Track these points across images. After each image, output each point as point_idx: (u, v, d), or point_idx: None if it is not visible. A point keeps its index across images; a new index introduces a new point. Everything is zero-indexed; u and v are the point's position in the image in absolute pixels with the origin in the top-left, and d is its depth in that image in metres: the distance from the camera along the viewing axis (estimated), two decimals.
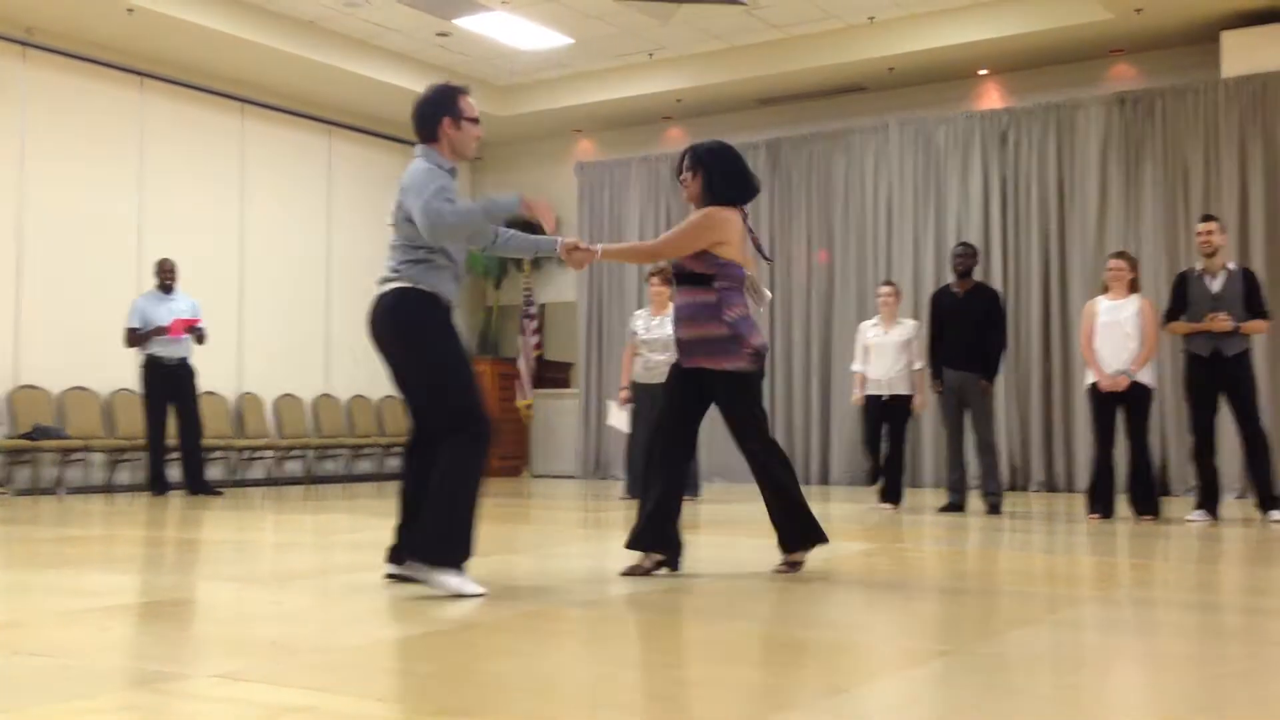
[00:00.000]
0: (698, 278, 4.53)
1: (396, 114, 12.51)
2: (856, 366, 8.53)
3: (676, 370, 4.67)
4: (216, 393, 10.73)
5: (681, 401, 4.63)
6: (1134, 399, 7.30)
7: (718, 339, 4.48)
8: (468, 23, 10.57)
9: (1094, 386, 7.42)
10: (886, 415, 8.28)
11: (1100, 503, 7.37)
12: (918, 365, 8.27)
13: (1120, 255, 7.60)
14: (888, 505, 8.16)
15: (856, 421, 9.11)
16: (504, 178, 13.59)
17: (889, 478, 8.24)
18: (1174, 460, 9.86)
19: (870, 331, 8.46)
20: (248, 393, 11.29)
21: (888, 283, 8.79)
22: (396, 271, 4.28)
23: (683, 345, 4.62)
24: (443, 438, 4.15)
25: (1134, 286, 7.43)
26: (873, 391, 8.32)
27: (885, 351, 8.29)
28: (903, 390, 8.24)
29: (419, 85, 12.73)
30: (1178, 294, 7.32)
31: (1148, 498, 7.32)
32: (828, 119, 11.82)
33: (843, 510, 8.23)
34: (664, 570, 4.45)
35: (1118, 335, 7.30)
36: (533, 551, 5.63)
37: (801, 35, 10.87)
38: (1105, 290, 7.51)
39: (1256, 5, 9.30)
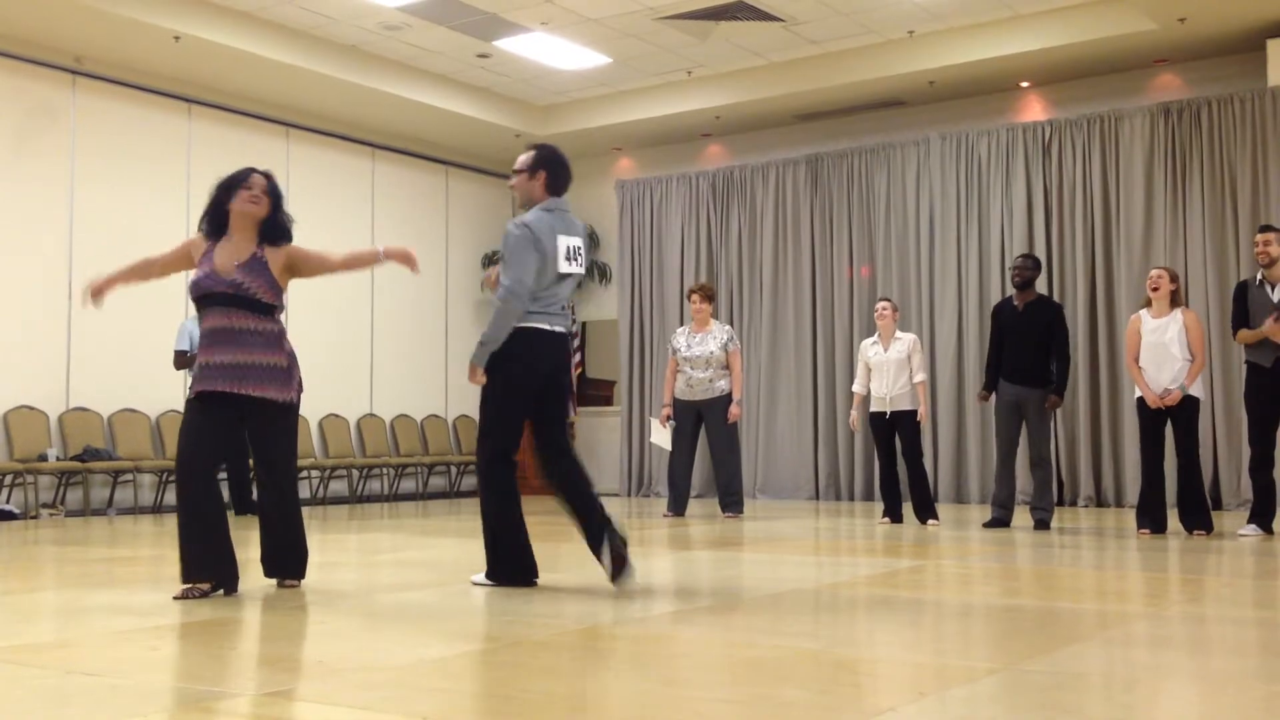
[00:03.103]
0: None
1: (438, 135, 12.64)
2: (857, 387, 8.51)
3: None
4: None
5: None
6: (1182, 411, 7.20)
7: None
8: (507, 44, 10.65)
9: (1141, 400, 7.33)
10: (894, 432, 8.28)
11: (1150, 517, 7.26)
12: (919, 378, 8.23)
13: (1162, 267, 7.52)
14: (886, 519, 8.25)
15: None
16: None
17: (917, 495, 8.24)
18: (1224, 473, 9.70)
19: (870, 350, 8.43)
20: None
21: (885, 299, 8.75)
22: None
23: None
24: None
25: (1176, 300, 7.34)
26: (876, 409, 8.30)
27: (886, 369, 8.27)
28: (905, 406, 8.20)
29: (459, 107, 12.93)
30: (1239, 303, 7.20)
31: (1198, 512, 7.20)
32: (868, 134, 11.78)
33: (891, 527, 8.16)
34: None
35: (1163, 353, 7.22)
36: (575, 570, 5.62)
37: (840, 50, 10.86)
38: (1148, 304, 7.41)
39: None
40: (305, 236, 12.90)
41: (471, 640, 3.59)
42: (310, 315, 11.66)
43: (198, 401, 4.60)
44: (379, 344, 12.34)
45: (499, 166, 13.73)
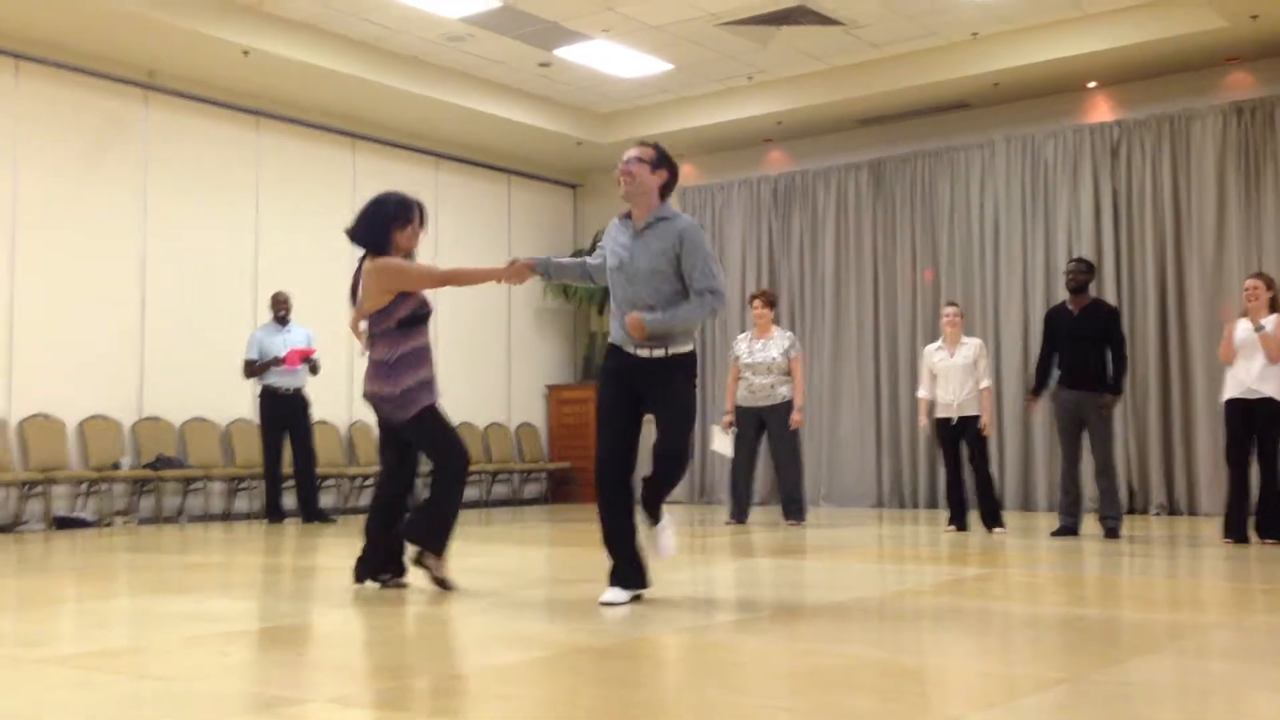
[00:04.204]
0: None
1: (500, 144, 12.74)
2: (923, 393, 8.39)
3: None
4: (328, 421, 10.98)
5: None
6: (1267, 416, 7.03)
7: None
8: (568, 52, 10.71)
9: (1229, 403, 7.17)
10: (960, 438, 8.18)
11: (1233, 527, 7.11)
12: (985, 384, 8.11)
13: (1257, 275, 7.31)
14: (952, 527, 8.14)
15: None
16: (605, 205, 13.69)
17: (984, 502, 8.15)
18: None
19: (936, 355, 8.32)
20: (358, 421, 11.52)
21: (951, 303, 8.65)
22: None
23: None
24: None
25: (1275, 306, 7.15)
26: (942, 415, 8.20)
27: (953, 374, 8.16)
28: (972, 411, 8.10)
29: (522, 116, 12.99)
30: None
31: (1275, 520, 7.02)
32: (931, 137, 11.67)
33: (956, 535, 8.06)
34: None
35: (1255, 353, 7.06)
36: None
37: (902, 53, 10.76)
38: (1244, 314, 7.21)
39: None
40: None
41: (536, 648, 3.60)
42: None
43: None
44: (442, 351, 12.37)
45: (561, 174, 13.80)
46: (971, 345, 8.27)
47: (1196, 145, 10.19)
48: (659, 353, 4.50)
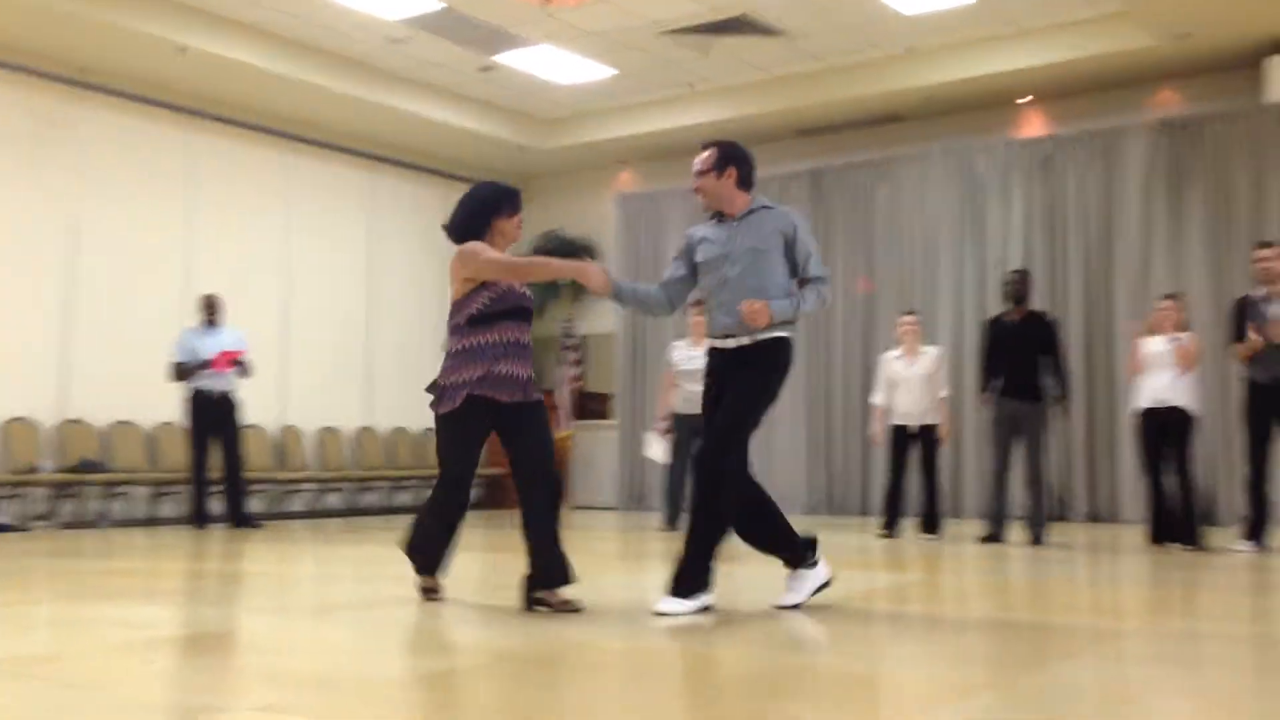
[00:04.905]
0: None
1: (440, 149, 12.66)
2: (878, 399, 8.47)
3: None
4: (258, 426, 10.83)
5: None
6: (1178, 425, 7.30)
7: None
8: (510, 57, 10.68)
9: (1142, 412, 7.44)
10: (913, 446, 8.28)
11: (1155, 533, 7.39)
12: (943, 393, 8.22)
13: (1170, 296, 7.63)
14: (885, 532, 8.25)
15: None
16: (545, 210, 13.66)
17: (929, 509, 8.25)
18: (1221, 489, 9.69)
19: (896, 364, 8.41)
20: (289, 425, 11.38)
21: (910, 312, 8.75)
22: None
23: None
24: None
25: (1183, 326, 7.45)
26: (901, 423, 8.30)
27: (913, 384, 8.26)
28: (932, 420, 8.21)
29: (461, 120, 12.96)
30: (1239, 320, 7.25)
31: (1187, 526, 7.25)
32: (868, 148, 11.80)
33: (883, 542, 8.15)
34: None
35: (1165, 366, 7.34)
36: (582, 586, 5.61)
37: (840, 65, 10.88)
38: (1151, 331, 7.47)
39: None
40: (305, 248, 12.93)
41: (467, 654, 3.58)
42: (308, 327, 11.67)
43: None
44: (377, 356, 12.34)
45: (502, 179, 13.70)
46: (932, 354, 8.36)
47: (1125, 161, 10.41)
48: (744, 340, 4.35)
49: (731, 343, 4.40)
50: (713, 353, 4.51)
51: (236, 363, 9.31)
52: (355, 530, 9.53)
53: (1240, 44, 9.52)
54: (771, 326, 4.33)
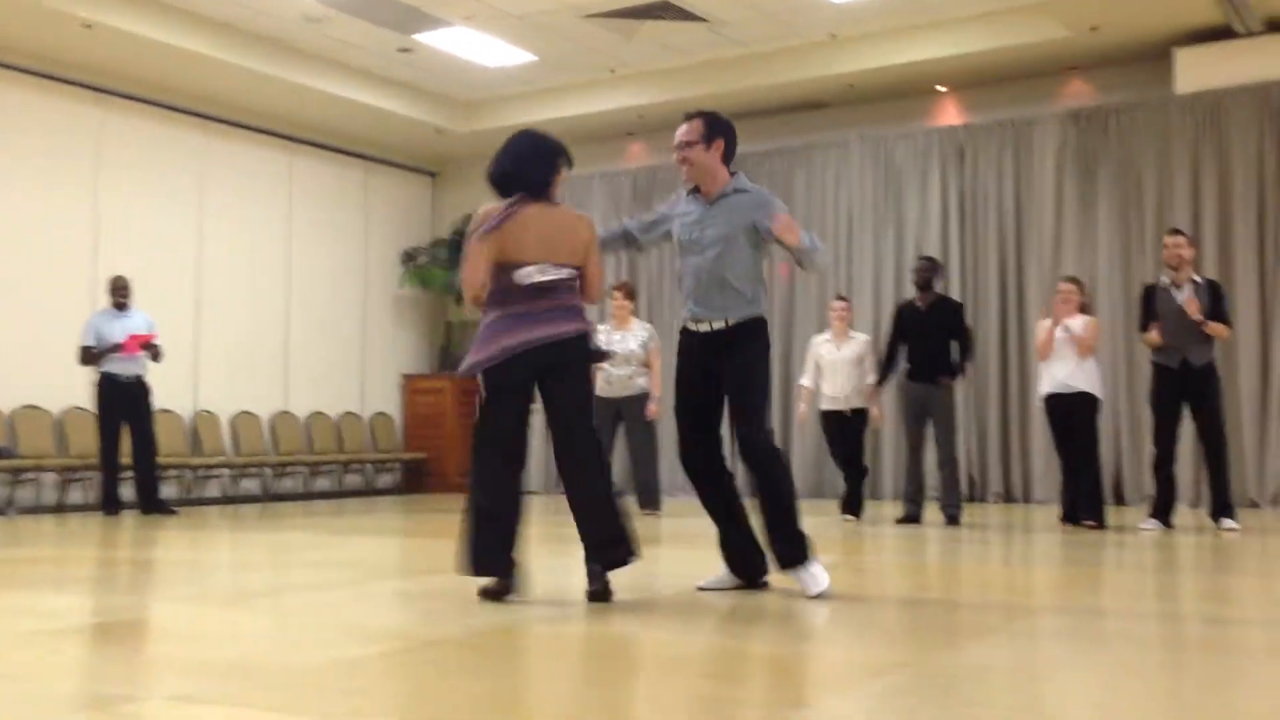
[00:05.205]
0: None
1: (358, 130, 12.48)
2: (806, 381, 8.55)
3: None
4: (171, 410, 10.61)
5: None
6: (1083, 408, 7.52)
7: None
8: (429, 38, 10.55)
9: (1047, 398, 7.65)
10: (846, 428, 8.36)
11: (1067, 511, 7.64)
12: (870, 379, 8.33)
13: (1071, 279, 7.85)
14: (850, 516, 8.27)
15: (819, 434, 9.13)
16: (465, 194, 13.56)
17: (853, 491, 8.33)
18: (1128, 470, 9.97)
19: (824, 347, 8.49)
20: (204, 410, 11.17)
21: (841, 297, 8.85)
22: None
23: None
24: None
25: (1084, 309, 7.66)
26: (831, 408, 8.38)
27: (840, 368, 8.34)
28: (860, 404, 8.31)
29: (380, 101, 12.77)
30: (1147, 306, 7.46)
31: (1091, 504, 7.44)
32: (789, 135, 11.88)
33: (806, 523, 8.23)
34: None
35: (1069, 351, 7.53)
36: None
37: (763, 52, 10.93)
38: (1056, 312, 7.67)
39: (1208, 23, 9.46)
40: (219, 229, 12.66)
41: (387, 640, 3.55)
42: (223, 310, 11.45)
43: None
44: (294, 340, 12.15)
45: (420, 162, 13.60)
46: (861, 340, 8.44)
47: (1037, 150, 10.62)
48: (719, 325, 4.36)
49: (705, 327, 4.41)
50: (687, 334, 4.50)
51: (147, 346, 9.10)
52: (272, 516, 9.39)
53: (1148, 36, 9.76)
54: (745, 309, 4.39)
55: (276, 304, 12.02)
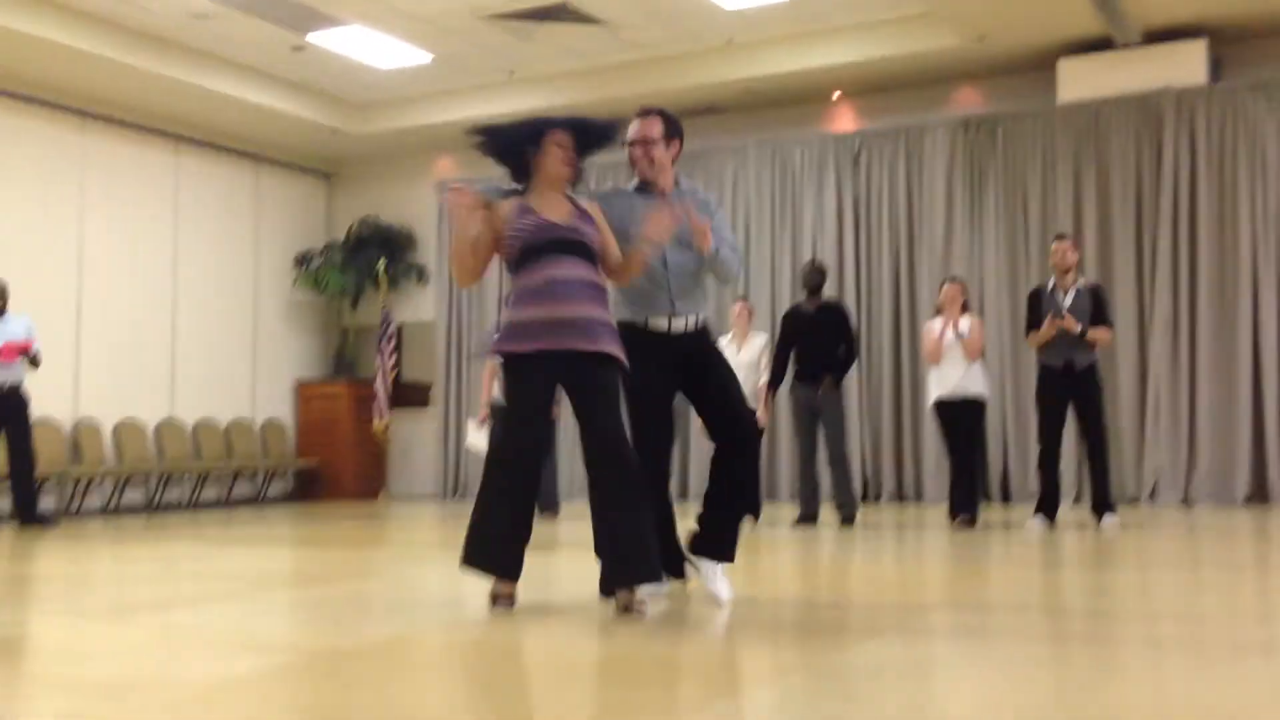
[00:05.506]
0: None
1: (249, 131, 12.20)
2: None
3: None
4: (51, 419, 10.25)
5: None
6: (971, 413, 7.77)
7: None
8: (323, 37, 10.36)
9: (937, 403, 7.83)
10: None
11: (955, 508, 7.80)
12: (762, 380, 8.41)
13: (953, 280, 8.08)
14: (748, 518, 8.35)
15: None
16: (360, 195, 13.36)
17: (751, 492, 8.38)
18: (1014, 468, 10.22)
19: (726, 350, 8.54)
20: (85, 418, 10.80)
21: (741, 298, 8.93)
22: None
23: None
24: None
25: (966, 307, 7.89)
26: None
27: (739, 370, 8.39)
28: (755, 405, 8.38)
29: (272, 101, 12.51)
30: (1033, 309, 7.67)
31: (968, 501, 7.69)
32: (687, 139, 11.87)
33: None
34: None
35: (958, 354, 7.76)
36: (388, 576, 5.51)
37: (661, 56, 10.97)
38: (939, 313, 7.89)
39: (1090, 34, 9.76)
40: (102, 231, 12.28)
41: (276, 653, 3.47)
42: (105, 314, 11.09)
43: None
44: (182, 345, 11.82)
45: (314, 163, 13.35)
46: (759, 342, 8.50)
47: (929, 156, 10.84)
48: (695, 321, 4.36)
49: (683, 324, 4.36)
50: (660, 334, 4.34)
51: (25, 353, 8.76)
52: (157, 527, 9.12)
53: (1034, 46, 10.04)
54: (705, 306, 4.44)
55: (163, 308, 11.68)
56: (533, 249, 4.07)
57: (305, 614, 4.32)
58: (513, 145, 4.26)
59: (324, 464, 12.67)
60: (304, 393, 12.98)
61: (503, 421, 4.29)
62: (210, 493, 11.84)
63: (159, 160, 11.70)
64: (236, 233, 12.48)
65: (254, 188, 12.75)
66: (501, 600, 4.06)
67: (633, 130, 4.44)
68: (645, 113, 4.47)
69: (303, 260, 13.02)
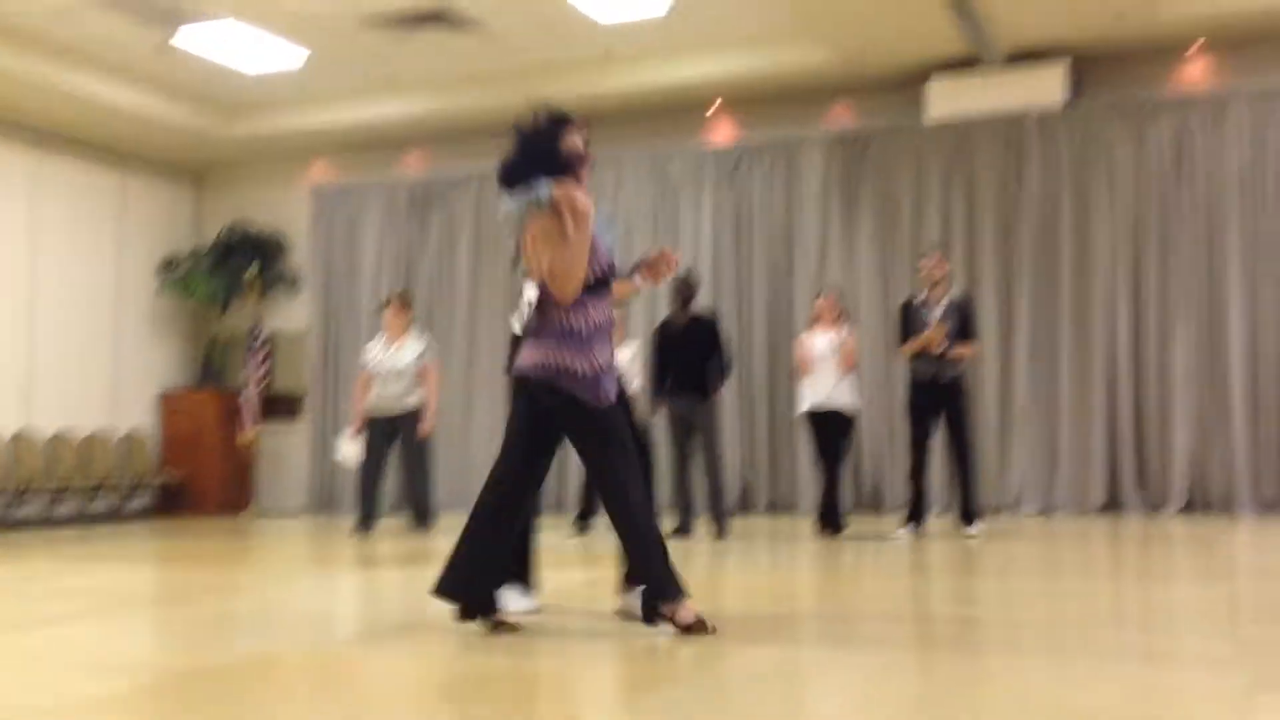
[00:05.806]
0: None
1: (112, 131, 11.77)
2: None
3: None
4: None
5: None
6: (840, 425, 7.98)
7: None
8: (191, 35, 10.04)
9: (809, 415, 8.01)
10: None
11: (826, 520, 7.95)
12: (635, 385, 8.42)
13: (828, 292, 8.32)
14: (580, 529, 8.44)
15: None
16: (230, 199, 13.00)
17: (590, 502, 8.41)
18: (887, 479, 10.45)
19: None
20: (21, 431, 10.26)
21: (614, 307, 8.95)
22: None
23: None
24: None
25: (840, 320, 8.12)
26: None
27: None
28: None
29: (138, 101, 12.09)
30: (905, 322, 7.88)
31: (834, 513, 7.93)
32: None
33: (576, 540, 8.27)
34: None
35: (829, 366, 7.96)
36: (255, 592, 5.35)
37: (539, 65, 10.93)
38: (814, 324, 8.08)
39: (957, 54, 10.05)
40: None
41: (135, 673, 3.34)
42: None
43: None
44: (38, 355, 11.32)
45: (182, 167, 12.95)
46: (630, 346, 8.50)
47: (805, 170, 11.02)
48: None
49: None
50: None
51: None
52: (9, 545, 8.71)
53: (905, 65, 10.29)
54: None
55: (18, 314, 11.17)
56: (604, 281, 4.00)
57: (163, 633, 4.17)
58: (548, 140, 4.06)
59: (189, 477, 12.26)
60: (168, 403, 12.56)
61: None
62: (66, 508, 11.36)
63: (19, 162, 11.21)
64: (100, 237, 12.03)
65: (119, 191, 12.30)
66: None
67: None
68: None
69: (169, 265, 12.61)
